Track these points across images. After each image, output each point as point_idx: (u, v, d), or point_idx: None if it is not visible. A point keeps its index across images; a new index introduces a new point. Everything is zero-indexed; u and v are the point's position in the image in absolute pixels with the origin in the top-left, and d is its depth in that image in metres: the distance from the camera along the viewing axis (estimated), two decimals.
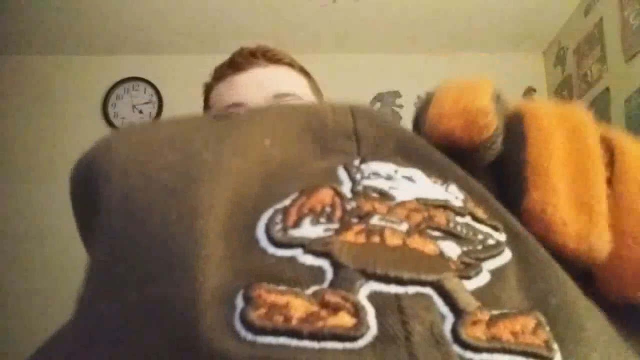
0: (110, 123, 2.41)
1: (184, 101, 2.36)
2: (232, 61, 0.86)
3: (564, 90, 2.26)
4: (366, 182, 0.29)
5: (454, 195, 0.29)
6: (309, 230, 0.25)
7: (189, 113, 0.39)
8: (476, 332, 0.22)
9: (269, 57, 0.85)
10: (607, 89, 1.89)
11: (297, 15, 2.22)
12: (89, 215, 0.30)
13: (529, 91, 2.42)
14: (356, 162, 0.31)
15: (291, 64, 0.87)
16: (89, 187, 0.30)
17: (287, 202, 0.27)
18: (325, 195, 0.27)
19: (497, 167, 0.34)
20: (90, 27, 2.29)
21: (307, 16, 2.22)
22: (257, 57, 0.85)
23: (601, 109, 1.92)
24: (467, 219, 0.28)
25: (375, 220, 0.26)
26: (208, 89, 0.90)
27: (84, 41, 2.38)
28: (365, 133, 0.34)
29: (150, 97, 2.45)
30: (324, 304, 0.21)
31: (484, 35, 2.32)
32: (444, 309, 0.22)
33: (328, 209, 0.26)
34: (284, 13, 2.21)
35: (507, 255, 0.27)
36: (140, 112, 2.44)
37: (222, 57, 0.89)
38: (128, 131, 0.34)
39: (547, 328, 0.23)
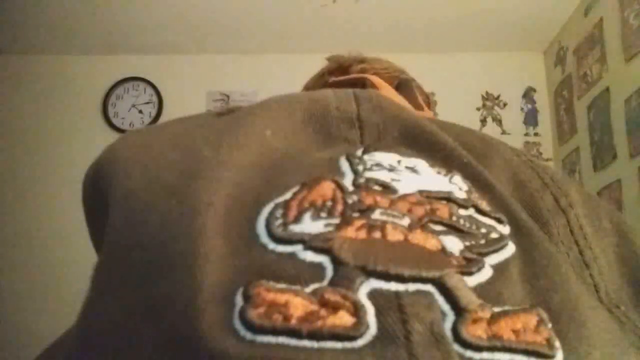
0: (110, 123, 2.41)
1: (184, 101, 2.38)
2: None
3: (564, 90, 2.26)
4: (368, 174, 0.28)
5: (457, 186, 0.29)
6: (309, 225, 0.25)
7: (189, 113, 0.39)
8: (477, 331, 0.22)
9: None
10: (607, 89, 1.89)
11: (297, 15, 2.22)
12: (99, 221, 0.29)
13: (529, 91, 2.42)
14: (359, 152, 0.31)
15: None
16: (97, 193, 0.30)
17: (288, 195, 0.26)
18: (326, 188, 0.26)
19: None
20: (90, 27, 2.29)
21: (307, 16, 2.22)
22: None
23: (601, 109, 1.92)
24: (471, 211, 0.28)
25: (376, 215, 0.25)
26: None
27: (84, 41, 2.38)
28: (369, 119, 0.34)
29: (150, 97, 2.45)
30: (324, 303, 0.21)
31: (484, 35, 2.32)
32: (445, 306, 0.22)
33: (329, 203, 0.26)
34: (284, 13, 2.21)
35: (510, 249, 0.26)
36: (140, 112, 2.44)
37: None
38: (132, 134, 0.34)
39: (550, 325, 0.23)
